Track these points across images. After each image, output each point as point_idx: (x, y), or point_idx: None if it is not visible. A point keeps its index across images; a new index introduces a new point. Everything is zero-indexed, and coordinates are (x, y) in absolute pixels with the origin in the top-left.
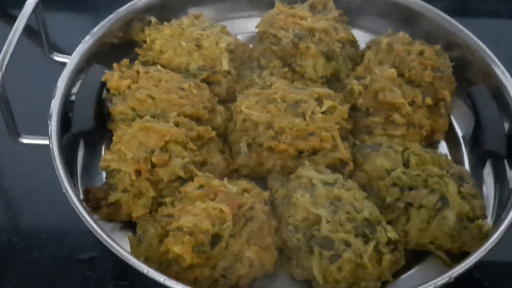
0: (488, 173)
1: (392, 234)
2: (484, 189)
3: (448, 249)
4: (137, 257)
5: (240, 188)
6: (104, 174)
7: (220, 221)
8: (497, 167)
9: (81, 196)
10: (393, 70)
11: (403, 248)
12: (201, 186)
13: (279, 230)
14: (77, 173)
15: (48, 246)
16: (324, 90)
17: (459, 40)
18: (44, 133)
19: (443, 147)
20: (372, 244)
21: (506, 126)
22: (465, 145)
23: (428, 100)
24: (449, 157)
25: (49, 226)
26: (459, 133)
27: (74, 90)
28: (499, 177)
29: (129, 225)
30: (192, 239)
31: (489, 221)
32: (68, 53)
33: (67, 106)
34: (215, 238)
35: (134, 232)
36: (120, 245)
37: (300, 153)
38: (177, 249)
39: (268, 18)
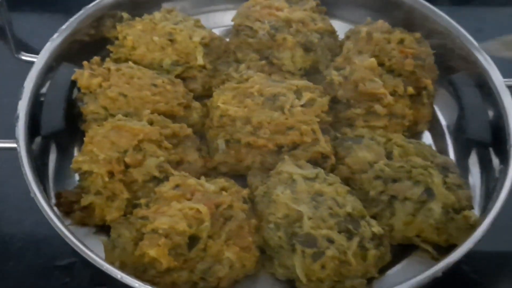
0: (473, 162)
1: (376, 228)
2: (470, 179)
3: (435, 242)
4: (112, 262)
5: (218, 186)
6: (77, 177)
7: (197, 221)
8: (482, 156)
9: (53, 201)
10: (373, 59)
11: (389, 242)
12: (176, 186)
13: (259, 228)
14: (48, 177)
15: (24, 254)
16: (302, 83)
17: (439, 27)
18: (13, 136)
19: (427, 137)
20: (356, 240)
21: (490, 113)
22: (449, 134)
23: (410, 89)
24: (434, 147)
25: (25, 233)
26: (443, 122)
27: (44, 90)
28: (485, 166)
29: (104, 228)
30: (168, 241)
31: (476, 211)
32: (39, 52)
33: (36, 107)
34: (193, 240)
35: (109, 236)
36: (93, 251)
37: (279, 148)
38: (152, 252)
39: (244, 10)
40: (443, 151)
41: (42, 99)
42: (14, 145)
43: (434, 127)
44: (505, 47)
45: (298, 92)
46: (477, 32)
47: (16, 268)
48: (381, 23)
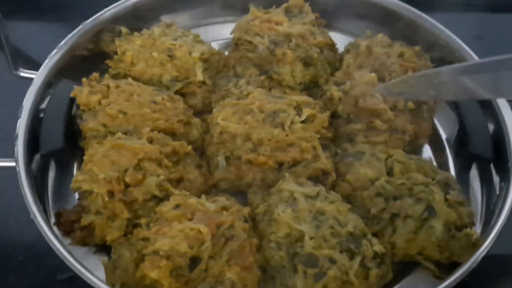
0: (474, 176)
1: (378, 247)
2: (471, 193)
3: (437, 260)
4: (113, 283)
5: (219, 205)
6: (77, 195)
7: (198, 242)
8: (483, 171)
9: (53, 220)
10: (373, 74)
11: (390, 260)
12: (177, 206)
13: (261, 247)
14: (48, 195)
15: (24, 268)
16: (302, 98)
17: (439, 40)
18: (12, 154)
19: (427, 151)
20: (357, 259)
21: (491, 127)
22: (449, 148)
23: (410, 104)
24: (434, 161)
25: (25, 247)
26: (443, 135)
27: (43, 105)
28: (486, 181)
29: (104, 248)
30: (169, 263)
31: (478, 226)
32: (40, 63)
33: (35, 124)
34: (194, 261)
35: (110, 255)
36: (92, 273)
37: (280, 165)
38: (154, 274)
39: (243, 24)
40: (443, 164)
41: (41, 115)
42: (13, 164)
43: (434, 140)
44: (396, 87)
45: (298, 108)
46: (477, 39)
47: (17, 282)
48: (381, 37)
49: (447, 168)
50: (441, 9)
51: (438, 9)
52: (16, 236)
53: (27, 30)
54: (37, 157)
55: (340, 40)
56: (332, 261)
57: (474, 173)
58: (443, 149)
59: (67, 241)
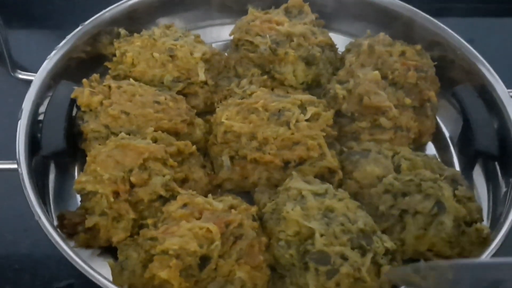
0: (478, 173)
1: (389, 244)
2: (476, 190)
3: (447, 256)
4: (120, 285)
5: (226, 204)
6: (78, 198)
7: (208, 241)
8: (487, 168)
9: (55, 222)
10: (376, 72)
11: (401, 257)
12: (184, 205)
13: (269, 246)
14: (49, 198)
15: (21, 277)
16: (306, 97)
17: (439, 39)
18: (11, 157)
19: (431, 149)
20: (369, 256)
21: (495, 125)
22: (453, 146)
23: (408, 100)
24: (438, 159)
25: (21, 255)
26: (446, 133)
27: (42, 109)
28: (491, 178)
29: (109, 250)
30: (179, 262)
31: (485, 223)
32: (33, 71)
33: (35, 126)
34: (204, 260)
35: (114, 257)
36: (101, 274)
37: (286, 163)
38: (163, 274)
39: (243, 24)
40: (447, 162)
41: (41, 118)
42: (15, 166)
43: (438, 139)
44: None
45: (302, 107)
46: (468, 42)
47: None
48: (382, 36)
49: (451, 166)
50: (432, 13)
51: (429, 13)
52: (12, 245)
53: (18, 38)
54: (37, 159)
55: (338, 41)
56: (344, 258)
57: (478, 171)
58: (447, 147)
59: (70, 244)
